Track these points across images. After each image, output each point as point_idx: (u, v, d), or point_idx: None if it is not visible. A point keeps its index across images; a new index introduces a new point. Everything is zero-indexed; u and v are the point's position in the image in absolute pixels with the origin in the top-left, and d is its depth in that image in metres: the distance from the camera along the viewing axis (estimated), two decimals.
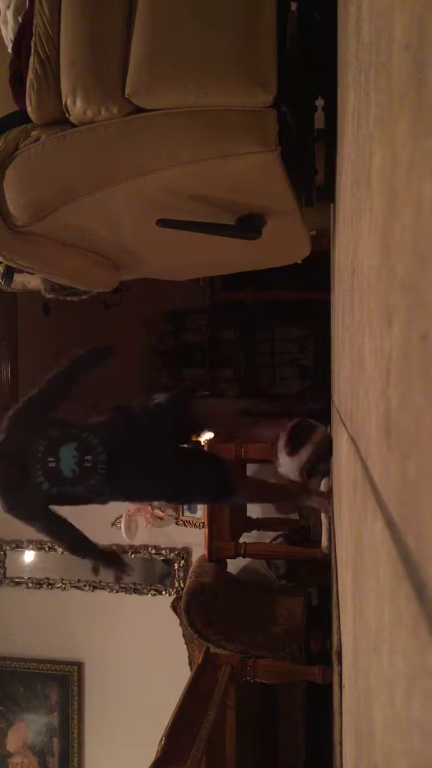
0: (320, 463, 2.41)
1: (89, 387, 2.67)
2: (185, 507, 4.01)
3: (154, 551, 4.13)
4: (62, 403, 2.41)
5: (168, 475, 2.42)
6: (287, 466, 2.42)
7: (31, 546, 4.32)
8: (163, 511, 3.96)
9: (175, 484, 2.45)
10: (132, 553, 4.16)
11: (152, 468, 2.38)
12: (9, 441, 2.31)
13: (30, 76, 1.88)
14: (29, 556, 4.35)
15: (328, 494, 2.50)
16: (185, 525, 4.02)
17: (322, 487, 2.59)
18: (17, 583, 4.34)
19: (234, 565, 3.72)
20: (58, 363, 2.44)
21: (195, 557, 3.86)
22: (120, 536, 4.01)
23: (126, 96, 1.78)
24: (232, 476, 2.54)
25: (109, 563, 2.65)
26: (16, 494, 2.34)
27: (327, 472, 2.45)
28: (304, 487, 2.52)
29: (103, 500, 2.40)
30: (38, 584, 4.31)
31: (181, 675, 2.96)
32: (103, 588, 4.22)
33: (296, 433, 2.42)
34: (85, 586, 4.24)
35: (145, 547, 4.13)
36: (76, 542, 2.51)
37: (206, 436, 3.09)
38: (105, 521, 4.07)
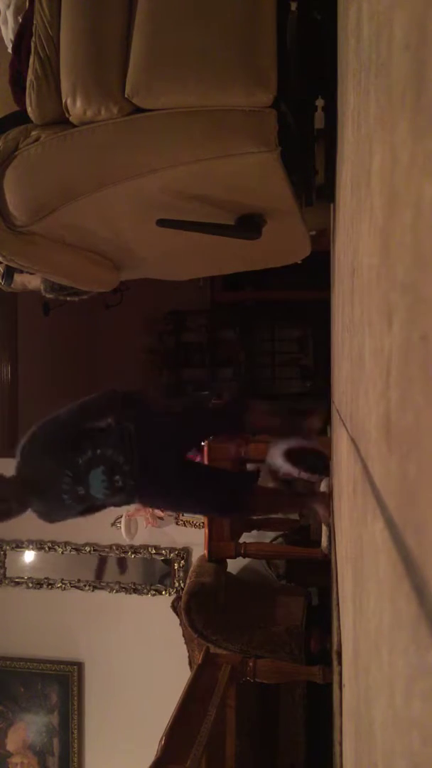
0: (308, 458, 2.41)
1: (89, 387, 2.66)
2: None
3: (154, 551, 4.13)
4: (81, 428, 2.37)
5: (189, 486, 2.42)
6: (277, 447, 2.43)
7: (31, 546, 4.32)
8: (162, 511, 3.96)
9: (194, 496, 2.46)
10: (132, 553, 4.16)
11: (176, 477, 2.39)
12: (27, 468, 2.27)
13: (30, 76, 1.88)
14: (29, 556, 4.35)
15: (328, 499, 2.50)
16: (185, 525, 4.02)
17: (323, 487, 2.59)
18: (17, 583, 4.34)
19: (234, 565, 3.71)
20: (94, 393, 2.42)
21: (195, 557, 3.86)
22: (120, 536, 4.01)
23: (126, 96, 1.78)
24: (247, 490, 2.54)
25: None
26: (52, 515, 2.37)
27: (314, 469, 2.44)
28: (307, 493, 2.52)
29: (120, 504, 2.44)
30: (38, 584, 4.31)
31: (181, 675, 2.96)
32: (103, 588, 4.22)
33: (308, 456, 2.42)
34: (85, 586, 4.24)
35: (145, 547, 4.13)
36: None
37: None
38: (105, 521, 4.07)
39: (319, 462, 2.40)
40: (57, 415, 2.32)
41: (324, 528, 3.03)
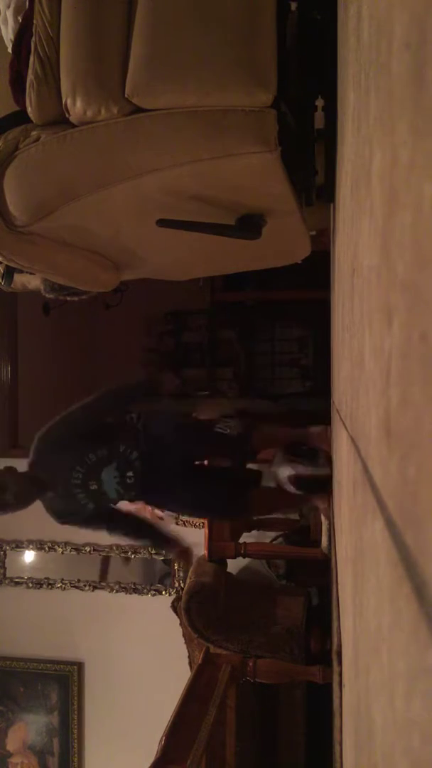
0: (309, 484, 2.44)
1: (89, 387, 2.67)
2: None
3: (154, 551, 4.13)
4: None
5: (191, 486, 2.45)
6: (279, 463, 2.46)
7: (31, 546, 4.32)
8: (162, 511, 3.95)
9: (195, 497, 2.49)
10: (132, 553, 4.16)
11: (180, 478, 2.42)
12: (38, 465, 2.33)
13: (30, 76, 1.88)
14: (29, 556, 4.35)
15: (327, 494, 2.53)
16: (185, 525, 4.02)
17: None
18: (17, 583, 4.34)
19: (234, 565, 3.71)
20: (100, 390, 2.48)
21: (195, 557, 3.86)
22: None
23: (126, 96, 1.78)
24: (245, 493, 2.57)
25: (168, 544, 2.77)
26: (64, 513, 2.40)
27: (315, 491, 2.48)
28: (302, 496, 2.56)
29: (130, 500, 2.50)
30: (38, 584, 4.30)
31: (181, 675, 2.96)
32: (103, 588, 4.22)
33: (305, 450, 2.45)
34: (85, 586, 4.24)
35: (145, 547, 4.13)
36: (139, 532, 2.63)
37: None
38: None
39: (316, 455, 2.43)
40: (68, 413, 2.38)
41: (324, 523, 3.03)
